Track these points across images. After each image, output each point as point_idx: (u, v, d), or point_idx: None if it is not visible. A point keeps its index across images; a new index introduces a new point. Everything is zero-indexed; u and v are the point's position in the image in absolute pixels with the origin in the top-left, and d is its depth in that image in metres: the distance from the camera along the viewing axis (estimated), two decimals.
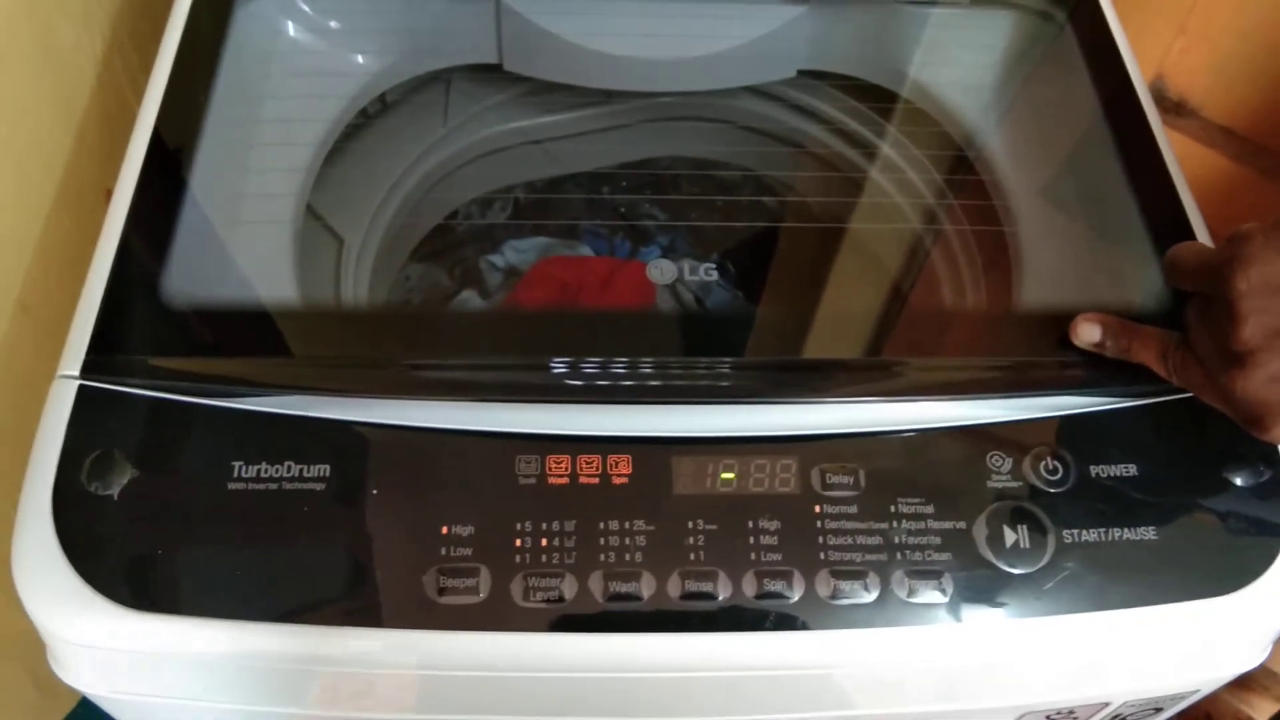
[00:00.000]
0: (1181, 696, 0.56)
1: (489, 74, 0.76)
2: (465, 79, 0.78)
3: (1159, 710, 0.58)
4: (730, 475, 0.48)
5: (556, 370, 0.49)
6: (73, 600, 0.44)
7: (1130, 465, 0.50)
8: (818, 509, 0.47)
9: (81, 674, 0.48)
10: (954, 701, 0.52)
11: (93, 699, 0.50)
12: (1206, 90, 0.92)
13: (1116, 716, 0.57)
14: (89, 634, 0.44)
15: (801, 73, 0.76)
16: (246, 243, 0.58)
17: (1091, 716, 0.56)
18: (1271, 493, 0.50)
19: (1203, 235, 0.57)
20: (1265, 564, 0.48)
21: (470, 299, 0.70)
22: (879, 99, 0.74)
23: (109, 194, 0.77)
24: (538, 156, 0.82)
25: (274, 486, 0.46)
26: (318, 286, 0.62)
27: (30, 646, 0.48)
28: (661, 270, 0.55)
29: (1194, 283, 0.48)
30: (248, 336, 0.52)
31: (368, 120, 0.75)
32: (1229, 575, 0.48)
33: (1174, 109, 0.95)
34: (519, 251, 0.71)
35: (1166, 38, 0.91)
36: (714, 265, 0.56)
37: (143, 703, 0.49)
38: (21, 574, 0.45)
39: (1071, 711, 0.55)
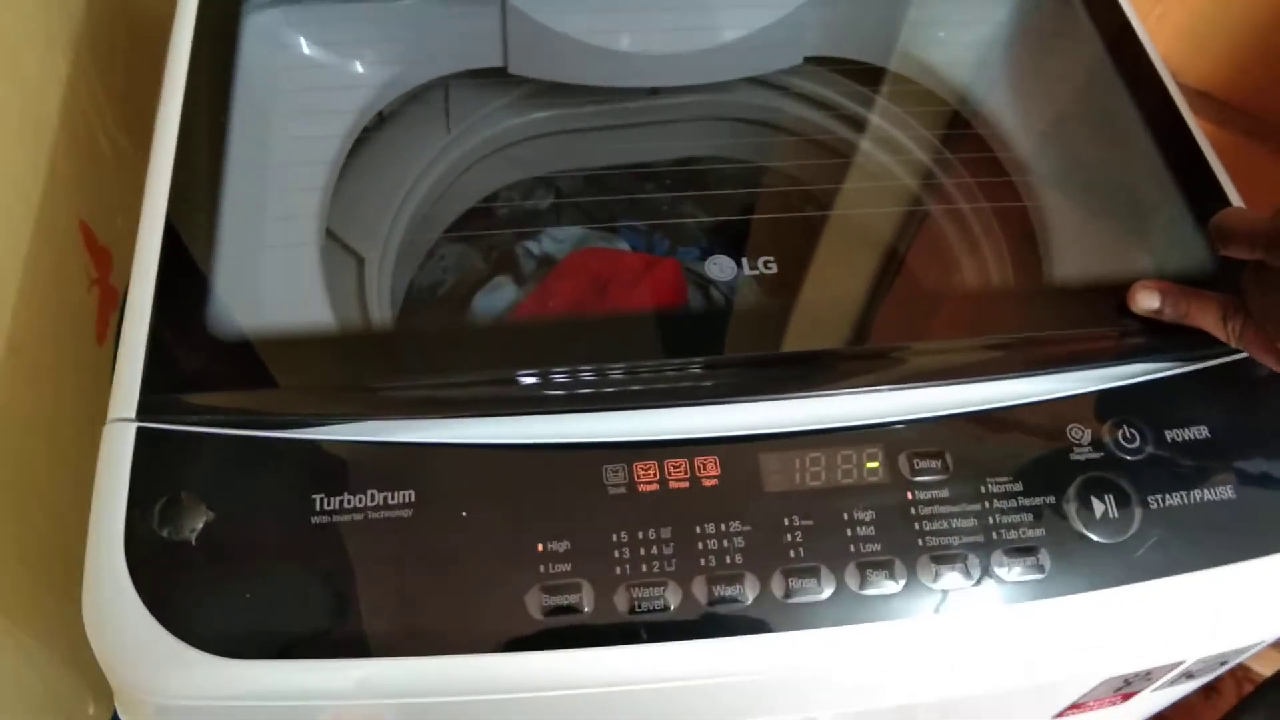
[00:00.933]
0: (1247, 650, 0.57)
1: (487, 78, 0.75)
2: (463, 84, 0.77)
3: (1224, 663, 0.59)
4: (819, 468, 0.47)
5: (636, 374, 0.48)
6: (159, 653, 0.42)
7: (1202, 427, 0.50)
8: (910, 495, 0.47)
9: None
10: (1043, 674, 0.52)
11: None
12: (1184, 56, 0.94)
13: (1186, 673, 0.58)
14: (182, 686, 0.42)
15: (809, 60, 0.76)
16: (279, 268, 0.56)
17: (1166, 674, 0.57)
18: None
19: (1235, 198, 0.58)
20: None
21: (503, 284, 0.68)
22: (891, 83, 0.75)
23: (84, 226, 0.74)
24: (546, 156, 0.81)
25: (360, 517, 0.45)
26: (348, 307, 0.60)
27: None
28: (721, 267, 0.55)
29: (1247, 250, 0.49)
30: (304, 365, 0.50)
31: (367, 134, 0.73)
32: None
33: None
34: (556, 241, 0.70)
35: (1144, 4, 0.93)
36: (771, 259, 0.56)
37: None
38: (100, 629, 0.43)
39: (1148, 673, 0.56)
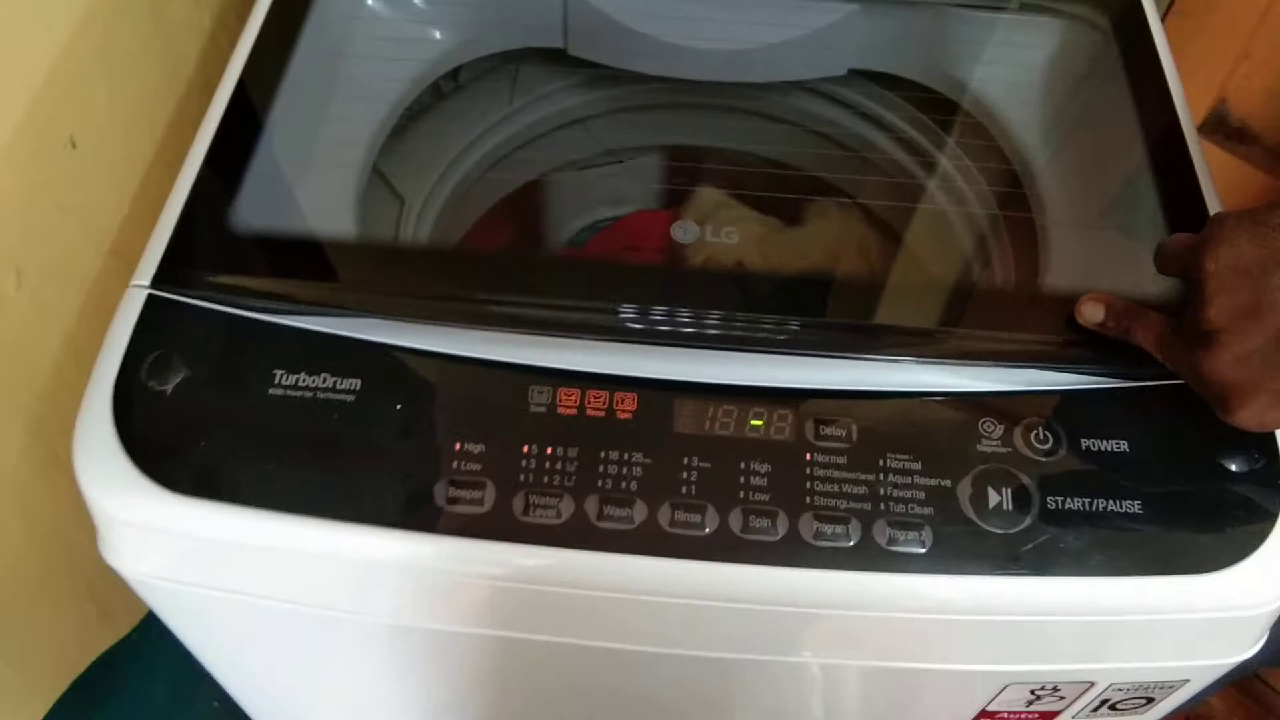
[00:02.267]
0: (1170, 686, 0.56)
1: (553, 59, 0.81)
2: (533, 63, 0.83)
3: (1150, 701, 0.58)
4: (728, 419, 0.51)
5: (574, 309, 0.53)
6: (124, 483, 0.49)
7: (1122, 442, 0.51)
8: (808, 456, 0.50)
9: (126, 557, 0.52)
10: (934, 659, 0.53)
11: (136, 587, 0.55)
12: (1269, 116, 0.92)
13: (1105, 702, 0.58)
14: (136, 514, 0.49)
15: (852, 71, 0.79)
16: (313, 183, 0.63)
17: (1079, 697, 0.57)
18: (1266, 479, 0.50)
19: None
20: (1254, 545, 0.49)
21: None
22: (925, 100, 0.77)
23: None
24: (597, 136, 0.87)
25: (309, 395, 0.51)
26: (373, 232, 0.67)
27: (92, 564, 0.53)
28: (685, 230, 0.59)
29: (1176, 266, 0.50)
30: (299, 261, 0.57)
31: (440, 98, 0.81)
32: (1215, 554, 0.49)
33: (1235, 135, 0.95)
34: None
35: (1229, 61, 0.92)
36: (733, 229, 0.59)
37: (180, 591, 0.54)
38: (81, 459, 0.50)
39: (1056, 688, 0.56)
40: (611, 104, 0.86)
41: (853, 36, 0.76)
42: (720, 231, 0.59)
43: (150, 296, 0.54)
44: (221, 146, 0.60)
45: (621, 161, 0.85)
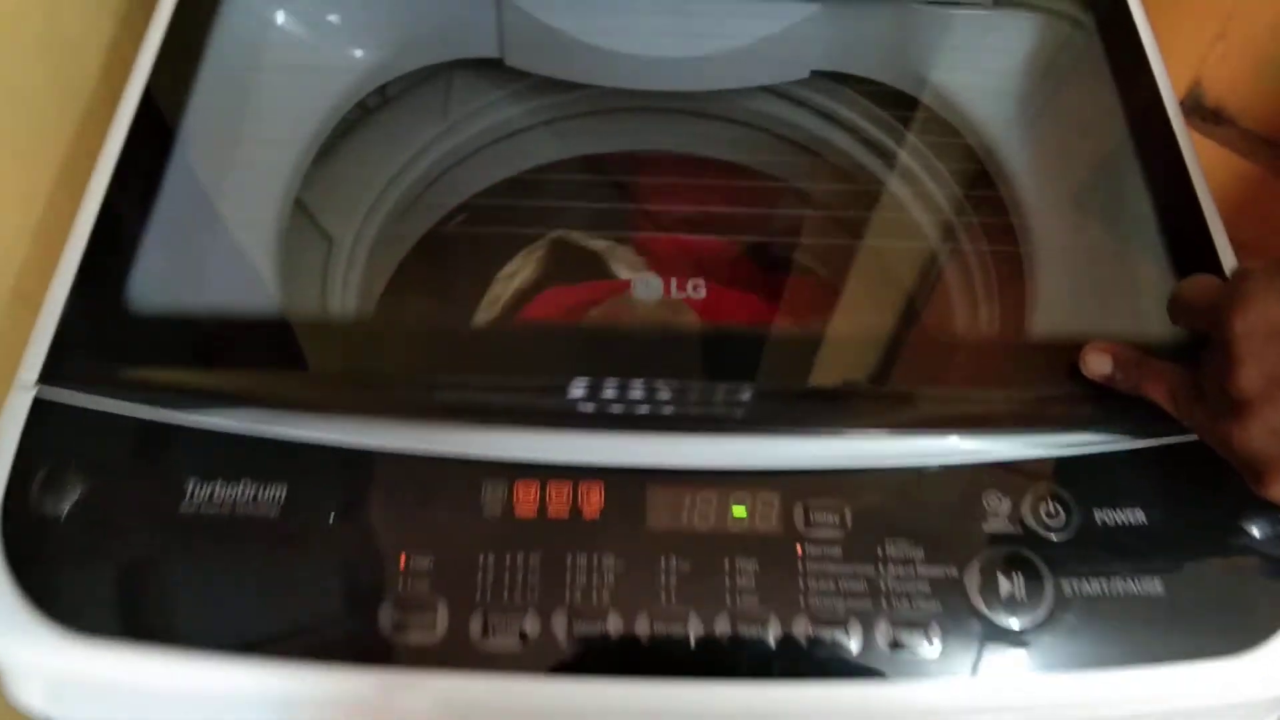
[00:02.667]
0: None
1: (492, 68, 0.74)
2: (468, 71, 0.76)
3: None
4: (707, 508, 0.45)
5: (524, 390, 0.47)
6: (18, 624, 0.42)
7: (1138, 511, 0.46)
8: (799, 549, 0.45)
9: (34, 699, 0.46)
10: None
11: None
12: (1245, 98, 0.87)
13: None
14: (34, 658, 0.43)
15: (815, 73, 0.73)
16: (223, 244, 0.56)
17: None
18: None
19: (1229, 262, 0.54)
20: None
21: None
22: (895, 103, 0.71)
23: None
24: (537, 148, 0.80)
25: (228, 509, 0.44)
26: (301, 289, 0.60)
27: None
28: (648, 285, 0.53)
29: (1196, 320, 0.45)
30: (210, 345, 0.50)
31: (366, 114, 0.73)
32: (1241, 634, 0.45)
33: (1211, 117, 0.91)
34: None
35: (1204, 43, 0.87)
36: (701, 281, 0.53)
37: None
38: None
39: None
40: (557, 111, 0.79)
41: (816, 38, 0.70)
42: (687, 285, 0.53)
43: (38, 396, 0.47)
44: (116, 200, 0.53)
45: (565, 179, 0.78)
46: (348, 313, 0.58)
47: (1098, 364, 0.48)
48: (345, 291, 0.62)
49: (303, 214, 0.65)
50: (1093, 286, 0.56)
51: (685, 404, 0.46)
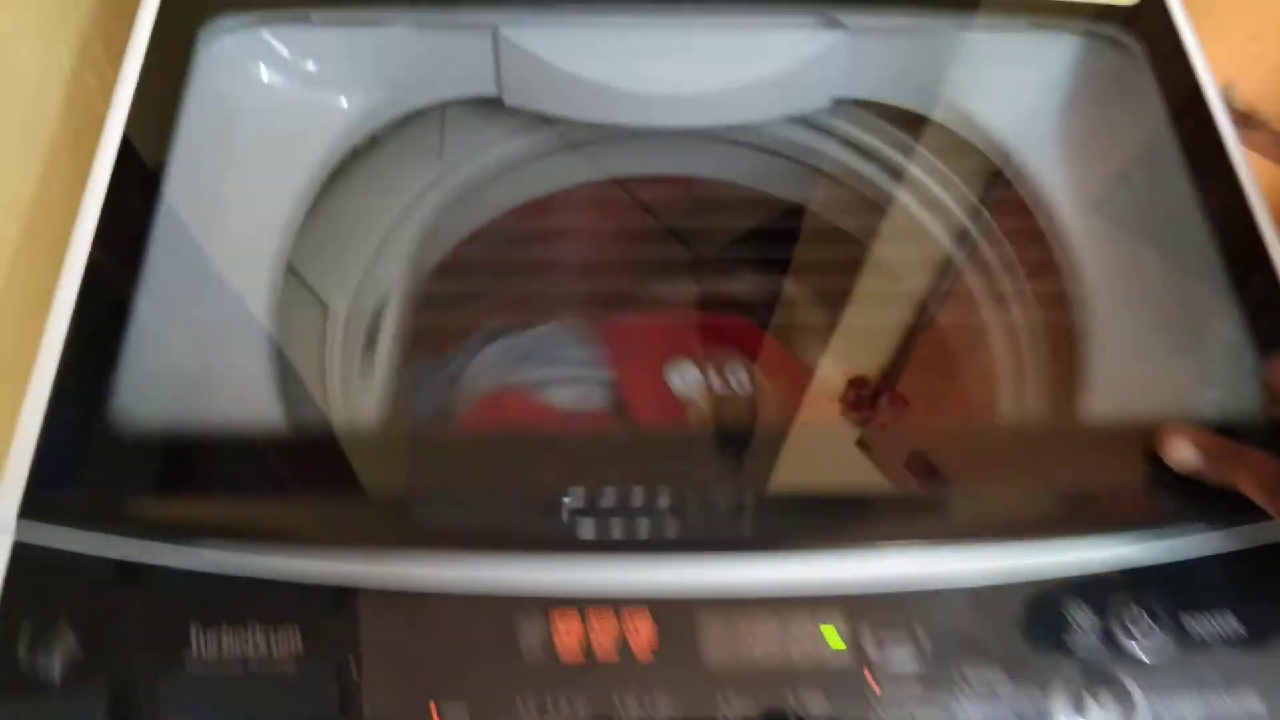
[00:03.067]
0: None
1: (486, 105, 0.68)
2: (461, 109, 0.71)
3: None
4: (769, 638, 0.41)
5: (556, 514, 0.42)
6: None
7: (1230, 617, 0.43)
8: (870, 677, 0.41)
9: None
10: None
11: None
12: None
13: None
14: None
15: (837, 100, 0.68)
16: (215, 339, 0.51)
17: None
18: None
19: None
20: None
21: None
22: (921, 129, 0.67)
23: None
24: (541, 180, 0.75)
25: (238, 663, 0.40)
26: (301, 385, 0.55)
27: None
28: (684, 376, 0.48)
29: None
30: (205, 470, 0.45)
31: (357, 159, 0.67)
32: None
33: (1242, 120, 0.87)
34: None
35: (1238, 44, 0.83)
36: (744, 369, 0.49)
37: None
38: None
39: None
40: (561, 141, 0.74)
41: (837, 64, 0.65)
42: (728, 375, 0.48)
43: (17, 544, 0.42)
44: (93, 295, 0.48)
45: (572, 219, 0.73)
46: (355, 423, 0.53)
47: (1180, 452, 0.44)
48: (345, 372, 0.58)
49: (296, 280, 0.60)
50: (1157, 344, 0.52)
51: (736, 522, 0.42)
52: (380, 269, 0.66)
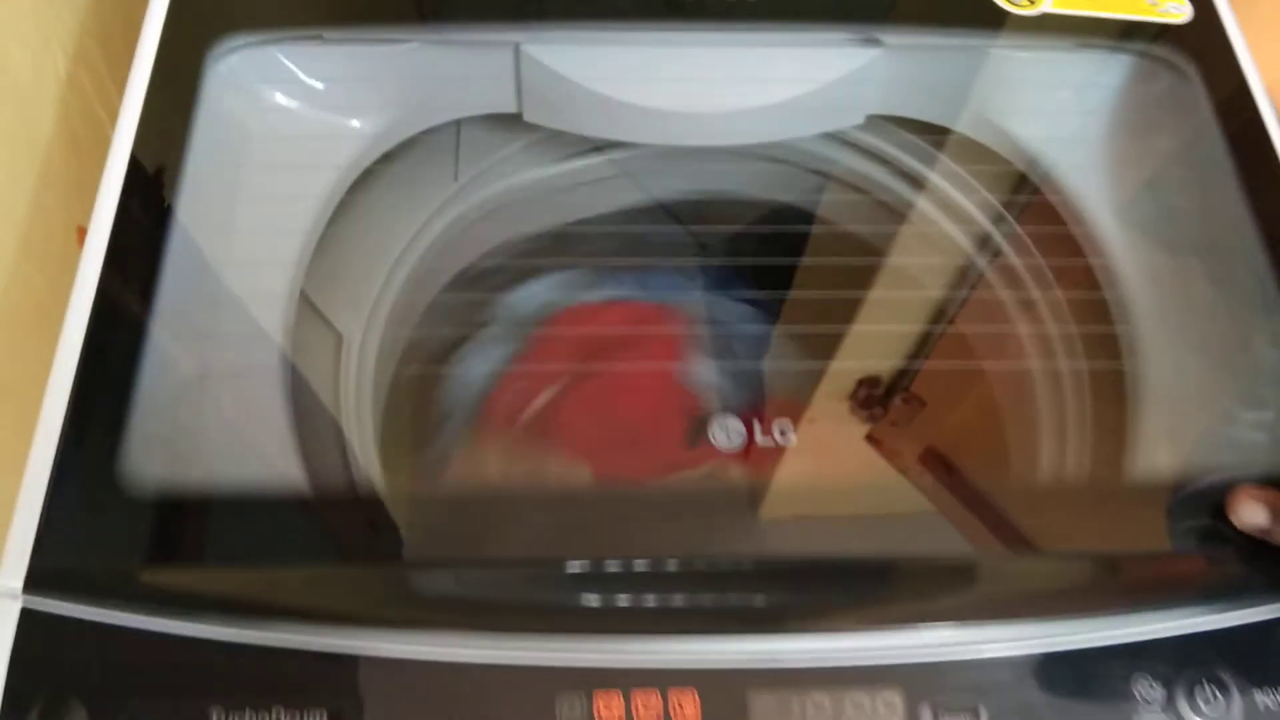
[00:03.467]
0: None
1: (503, 120, 0.66)
2: (477, 125, 0.68)
3: None
4: (821, 716, 0.39)
5: (602, 585, 0.40)
6: None
7: None
8: None
9: None
10: None
11: None
12: None
13: None
14: None
15: (871, 118, 0.65)
16: (227, 391, 0.48)
17: None
18: None
19: None
20: None
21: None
22: (962, 148, 0.64)
23: (81, 231, 0.68)
24: (560, 205, 0.72)
25: None
26: (314, 414, 0.52)
27: None
28: (728, 433, 0.45)
29: None
30: (223, 536, 0.42)
31: (369, 178, 0.65)
32: None
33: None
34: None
35: (1277, 48, 0.80)
36: (789, 425, 0.46)
37: None
38: None
39: None
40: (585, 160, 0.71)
41: (874, 81, 0.62)
42: (774, 429, 0.46)
43: (26, 610, 0.39)
44: (99, 343, 0.45)
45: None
46: (377, 479, 0.50)
47: (1252, 515, 0.42)
48: (360, 408, 0.55)
49: (310, 309, 0.57)
50: (1217, 399, 0.50)
51: (787, 596, 0.40)
52: (392, 292, 0.63)
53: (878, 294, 0.61)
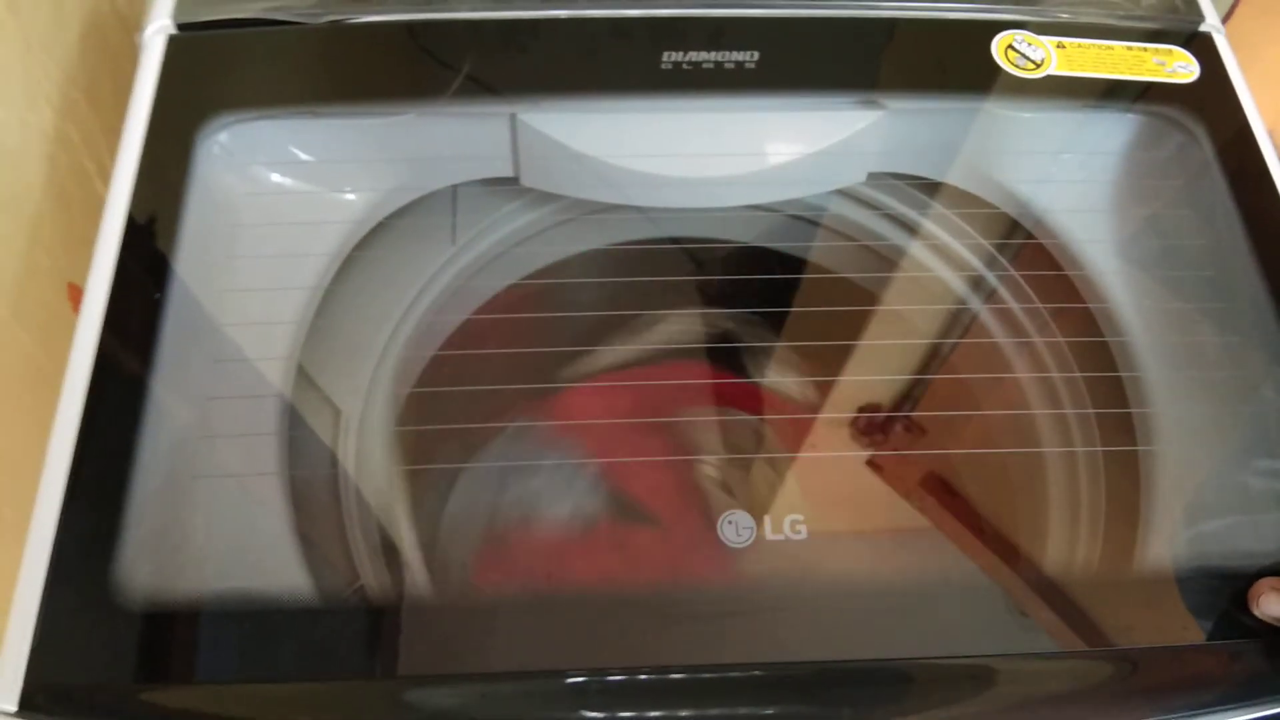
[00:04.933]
0: None
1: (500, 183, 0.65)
2: (474, 187, 0.67)
3: None
4: None
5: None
6: None
7: None
8: None
9: None
10: None
11: None
12: None
13: None
14: None
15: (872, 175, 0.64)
16: (224, 491, 0.47)
17: None
18: None
19: None
20: None
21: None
22: (964, 203, 0.63)
23: (73, 289, 0.67)
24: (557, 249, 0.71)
25: None
26: (315, 512, 0.51)
27: None
28: (737, 529, 0.44)
29: None
30: (222, 651, 0.41)
31: (363, 245, 0.64)
32: None
33: None
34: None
35: None
36: (801, 519, 0.45)
37: None
38: None
39: None
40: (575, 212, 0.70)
41: (877, 141, 0.61)
42: (783, 524, 0.45)
43: None
44: (91, 439, 0.44)
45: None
46: (382, 584, 0.49)
47: (1272, 606, 0.41)
48: (360, 488, 0.54)
49: (307, 383, 0.56)
50: (1232, 475, 0.49)
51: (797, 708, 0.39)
52: (390, 363, 0.62)
53: (890, 340, 0.60)
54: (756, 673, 0.40)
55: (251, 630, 0.41)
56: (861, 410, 0.57)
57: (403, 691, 0.40)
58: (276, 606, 0.42)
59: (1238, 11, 0.76)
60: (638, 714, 0.39)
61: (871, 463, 0.53)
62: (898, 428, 0.56)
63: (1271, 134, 0.81)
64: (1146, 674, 0.42)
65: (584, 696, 0.39)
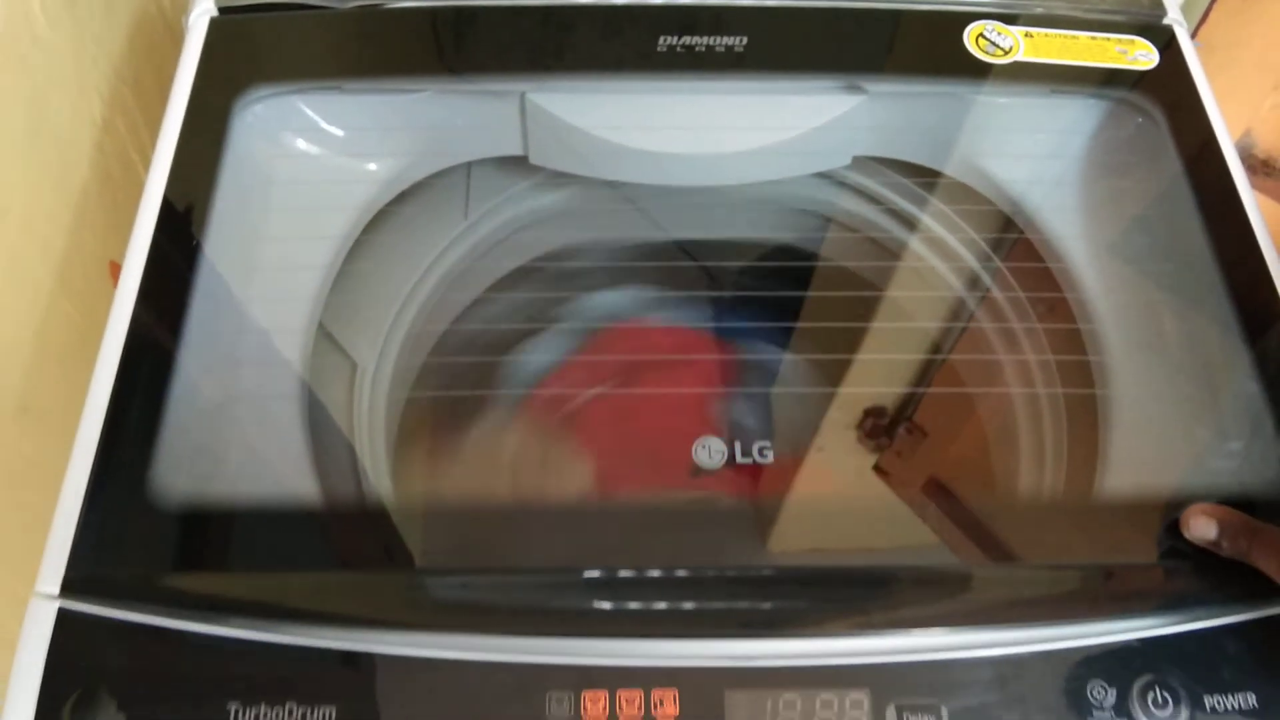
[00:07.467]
0: None
1: (511, 161, 0.70)
2: (487, 165, 0.72)
3: None
4: (791, 713, 0.42)
5: (590, 590, 0.43)
6: None
7: (1250, 694, 0.43)
8: None
9: None
10: None
11: None
12: None
13: None
14: None
15: (858, 159, 0.69)
16: (249, 413, 0.52)
17: None
18: None
19: None
20: None
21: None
22: (941, 186, 0.67)
23: (114, 266, 0.72)
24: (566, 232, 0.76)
25: None
26: (330, 436, 0.56)
27: None
28: (710, 452, 0.49)
29: None
30: (244, 545, 0.46)
31: (382, 214, 0.69)
32: None
33: (1260, 168, 0.87)
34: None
35: (1258, 94, 0.83)
36: (768, 444, 0.50)
37: None
38: None
39: None
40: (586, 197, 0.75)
41: (860, 124, 0.66)
42: (752, 449, 0.49)
43: (62, 611, 0.43)
44: (132, 370, 0.49)
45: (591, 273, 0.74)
46: (388, 497, 0.54)
47: (1202, 529, 0.45)
48: (372, 431, 0.59)
49: (327, 340, 0.61)
50: (1176, 420, 0.53)
51: (763, 602, 0.43)
52: (405, 323, 0.67)
53: (882, 327, 0.64)
54: (728, 572, 0.44)
55: (268, 530, 0.46)
56: (867, 413, 0.61)
57: (406, 580, 0.45)
58: (292, 510, 0.47)
59: (1211, 16, 0.81)
60: (620, 603, 0.43)
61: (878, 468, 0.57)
62: (900, 430, 0.60)
63: (1247, 133, 0.85)
64: (1083, 585, 0.45)
65: (573, 588, 0.43)
